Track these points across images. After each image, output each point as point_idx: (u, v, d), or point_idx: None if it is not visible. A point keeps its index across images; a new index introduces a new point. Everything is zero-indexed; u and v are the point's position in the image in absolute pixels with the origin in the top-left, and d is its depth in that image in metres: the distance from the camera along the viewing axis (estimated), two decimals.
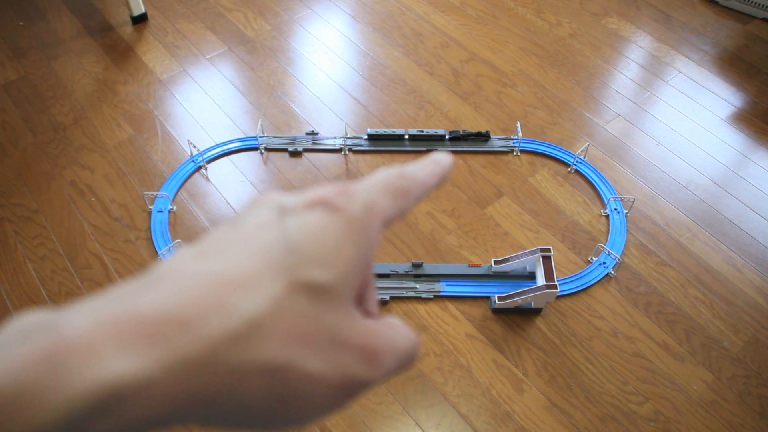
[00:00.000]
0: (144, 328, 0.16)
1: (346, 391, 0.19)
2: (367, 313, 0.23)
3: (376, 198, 0.21)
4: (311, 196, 0.21)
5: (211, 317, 0.17)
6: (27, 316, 0.16)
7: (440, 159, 0.25)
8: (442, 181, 0.25)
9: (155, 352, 0.16)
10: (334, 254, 0.19)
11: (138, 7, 1.66)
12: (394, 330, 0.21)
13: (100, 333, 0.16)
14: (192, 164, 1.36)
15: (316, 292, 0.19)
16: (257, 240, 0.19)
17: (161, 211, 1.27)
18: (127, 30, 1.67)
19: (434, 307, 1.15)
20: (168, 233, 1.24)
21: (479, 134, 1.41)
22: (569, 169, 1.38)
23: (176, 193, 1.31)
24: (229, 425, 0.18)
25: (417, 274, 1.18)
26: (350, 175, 1.36)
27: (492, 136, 1.42)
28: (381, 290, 1.15)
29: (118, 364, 0.15)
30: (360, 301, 0.23)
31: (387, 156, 1.40)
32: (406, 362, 0.21)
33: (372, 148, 1.40)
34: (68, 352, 0.15)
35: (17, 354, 0.15)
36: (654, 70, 1.63)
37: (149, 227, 1.25)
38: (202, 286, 0.17)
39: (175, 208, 1.29)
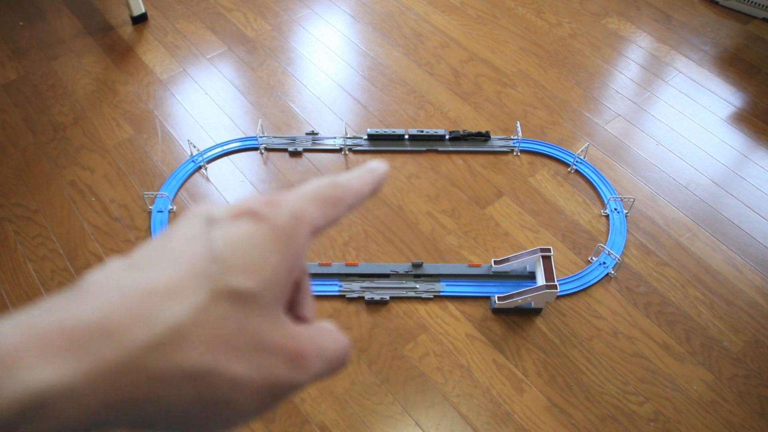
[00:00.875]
0: (67, 338, 0.16)
1: (272, 394, 0.20)
2: (298, 319, 0.23)
3: (304, 207, 0.22)
4: (238, 207, 0.21)
5: (134, 326, 0.17)
6: None
7: (375, 167, 0.25)
8: (377, 189, 0.25)
9: (78, 361, 0.16)
10: (257, 262, 0.20)
11: (138, 7, 1.66)
12: (324, 334, 0.22)
13: (24, 344, 0.16)
14: (192, 164, 1.36)
15: (239, 298, 0.19)
16: (184, 251, 0.20)
17: (161, 211, 1.27)
18: (127, 30, 1.68)
19: (434, 307, 1.15)
20: None
21: (479, 134, 1.41)
22: (569, 169, 1.38)
23: (176, 193, 1.31)
24: (159, 431, 0.19)
25: (417, 274, 1.18)
26: None
27: (492, 136, 1.42)
28: (381, 290, 1.15)
29: (41, 373, 0.16)
30: (292, 306, 0.23)
31: (387, 156, 1.40)
32: (335, 365, 0.22)
33: (372, 148, 1.40)
34: None
35: None
36: (654, 70, 1.63)
37: (149, 227, 1.25)
38: (127, 296, 0.18)
39: (175, 208, 1.29)
